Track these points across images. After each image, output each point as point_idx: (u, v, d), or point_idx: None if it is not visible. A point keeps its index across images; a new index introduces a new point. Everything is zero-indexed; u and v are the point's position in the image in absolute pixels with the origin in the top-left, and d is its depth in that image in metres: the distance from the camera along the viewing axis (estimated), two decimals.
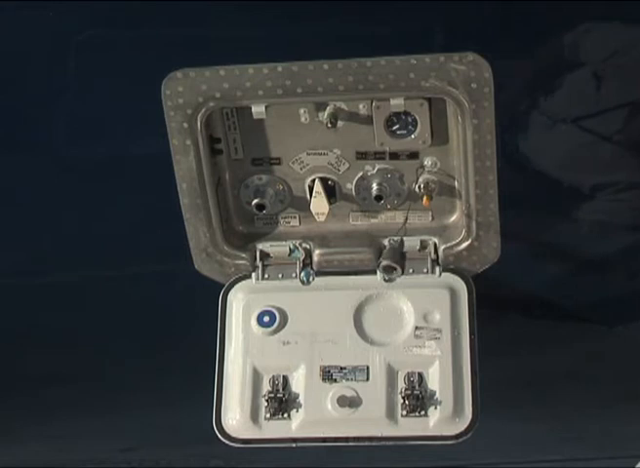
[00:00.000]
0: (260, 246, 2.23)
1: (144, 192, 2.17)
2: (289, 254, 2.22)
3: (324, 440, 2.08)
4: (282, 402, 2.08)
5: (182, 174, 2.08)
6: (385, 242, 2.19)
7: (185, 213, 2.14)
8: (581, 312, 2.41)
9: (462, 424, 2.04)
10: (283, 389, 2.09)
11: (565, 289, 2.17)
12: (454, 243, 2.16)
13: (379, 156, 2.12)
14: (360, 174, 2.15)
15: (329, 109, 2.03)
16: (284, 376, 2.10)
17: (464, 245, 2.15)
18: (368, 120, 2.05)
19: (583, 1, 1.88)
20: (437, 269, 2.17)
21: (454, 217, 2.17)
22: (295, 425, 2.08)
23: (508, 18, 1.91)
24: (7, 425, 2.77)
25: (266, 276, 2.21)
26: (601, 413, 2.64)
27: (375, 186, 2.13)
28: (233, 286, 2.22)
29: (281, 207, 2.21)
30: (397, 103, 1.98)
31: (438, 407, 2.05)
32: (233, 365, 2.13)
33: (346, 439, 2.07)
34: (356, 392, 2.07)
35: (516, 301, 2.37)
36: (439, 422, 2.04)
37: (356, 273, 2.19)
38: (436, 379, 2.06)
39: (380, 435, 2.06)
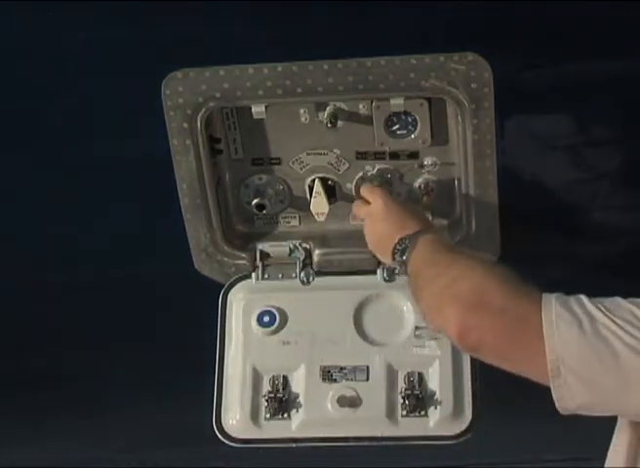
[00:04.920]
0: (260, 246, 2.22)
1: (144, 192, 2.17)
2: (289, 254, 2.22)
3: (324, 440, 2.07)
4: (282, 402, 2.07)
5: (182, 174, 2.08)
6: None
7: (185, 213, 2.14)
8: None
9: (462, 424, 2.03)
10: (283, 389, 2.09)
11: (565, 289, 2.16)
12: (454, 243, 2.16)
13: (379, 156, 2.12)
14: (360, 174, 2.15)
15: (329, 109, 2.03)
16: (284, 376, 2.10)
17: (464, 245, 2.15)
18: (368, 120, 2.05)
19: (583, 1, 1.88)
20: None
21: (454, 217, 2.17)
22: (295, 425, 2.08)
23: (508, 18, 1.91)
24: (6, 425, 2.77)
25: (266, 276, 2.21)
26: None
27: None
28: (233, 286, 2.21)
29: (281, 207, 2.21)
30: (397, 103, 1.98)
31: (438, 407, 2.04)
32: (233, 365, 2.13)
33: (346, 439, 2.07)
34: (356, 392, 2.07)
35: None
36: (439, 422, 2.04)
37: (356, 273, 2.19)
38: (436, 379, 2.06)
39: (380, 435, 2.06)
